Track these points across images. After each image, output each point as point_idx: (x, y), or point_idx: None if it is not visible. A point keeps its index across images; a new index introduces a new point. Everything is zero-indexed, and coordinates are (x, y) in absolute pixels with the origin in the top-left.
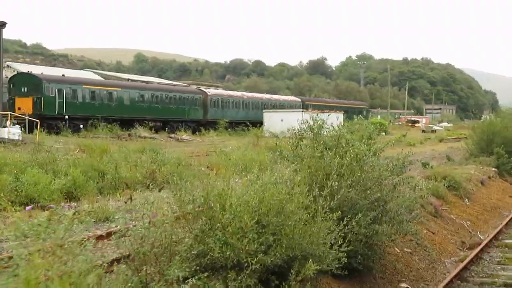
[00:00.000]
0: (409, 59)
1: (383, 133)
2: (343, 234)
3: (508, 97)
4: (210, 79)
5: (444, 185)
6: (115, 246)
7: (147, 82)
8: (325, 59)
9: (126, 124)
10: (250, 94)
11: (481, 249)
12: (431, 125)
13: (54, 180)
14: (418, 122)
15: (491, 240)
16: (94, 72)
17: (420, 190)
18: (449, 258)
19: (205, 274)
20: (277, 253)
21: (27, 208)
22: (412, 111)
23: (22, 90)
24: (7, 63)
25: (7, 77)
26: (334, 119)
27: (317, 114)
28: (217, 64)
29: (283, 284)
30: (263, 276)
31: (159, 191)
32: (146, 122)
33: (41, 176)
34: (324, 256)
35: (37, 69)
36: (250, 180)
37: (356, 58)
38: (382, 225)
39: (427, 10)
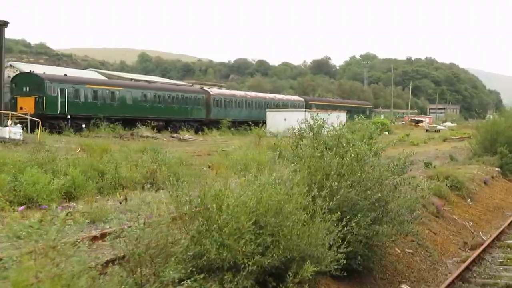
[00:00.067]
0: (413, 58)
1: (386, 133)
2: (342, 235)
3: None
4: (214, 78)
5: (446, 185)
6: (109, 247)
7: (149, 82)
8: (329, 58)
9: (129, 123)
10: (253, 94)
11: (483, 250)
12: (434, 125)
13: (53, 180)
14: (421, 121)
15: (493, 240)
16: (97, 72)
17: (421, 190)
18: (451, 258)
19: (201, 276)
20: (274, 254)
21: (19, 208)
22: (416, 110)
23: (24, 89)
24: (10, 62)
25: (9, 76)
26: (335, 119)
27: (317, 114)
28: (221, 63)
29: (281, 285)
30: (260, 277)
31: (156, 191)
32: (149, 121)
33: (40, 176)
34: (323, 257)
35: (39, 69)
36: (248, 180)
37: (360, 58)
38: (382, 226)
39: (431, 9)
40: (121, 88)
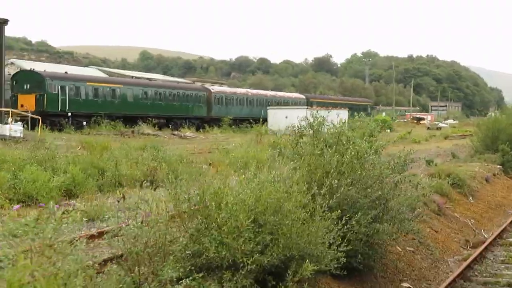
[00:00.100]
0: (414, 56)
1: (388, 130)
2: (342, 234)
3: None
4: (215, 76)
5: (448, 182)
6: (107, 246)
7: (150, 80)
8: (330, 56)
9: (130, 121)
10: (254, 91)
11: (485, 248)
12: (436, 122)
13: (53, 177)
14: (423, 119)
15: (495, 238)
16: (98, 69)
17: (422, 188)
18: (452, 257)
19: (200, 275)
20: (273, 253)
21: (15, 207)
22: (418, 108)
23: (25, 87)
24: (11, 60)
25: (10, 74)
26: (335, 116)
27: (317, 111)
28: (222, 61)
29: (280, 284)
30: (260, 276)
31: (154, 189)
32: (150, 119)
33: (39, 174)
34: (322, 256)
35: (40, 66)
36: (247, 178)
37: (361, 55)
38: (383, 224)
39: (432, 7)
40: (122, 86)
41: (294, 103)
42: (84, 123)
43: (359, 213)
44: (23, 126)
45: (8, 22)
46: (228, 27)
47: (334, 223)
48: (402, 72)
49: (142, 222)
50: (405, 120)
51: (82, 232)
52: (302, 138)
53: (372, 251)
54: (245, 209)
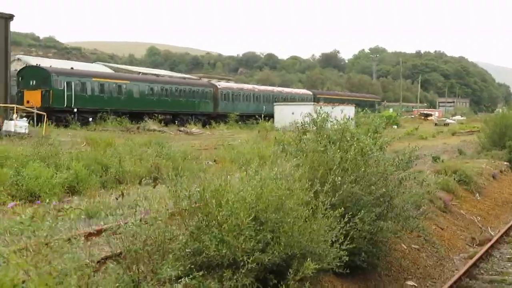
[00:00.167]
0: (422, 52)
1: (395, 127)
2: (345, 231)
3: None
4: (222, 72)
5: (454, 179)
6: (105, 244)
7: (157, 75)
8: (338, 52)
9: (136, 117)
10: (261, 87)
11: (491, 246)
12: (443, 118)
13: (56, 174)
14: (430, 115)
15: (502, 236)
16: (105, 65)
17: (427, 185)
18: (458, 254)
19: (200, 273)
20: (275, 251)
21: (9, 205)
22: (425, 104)
23: (31, 83)
24: (18, 56)
25: (16, 70)
26: (339, 112)
27: (321, 107)
28: (229, 57)
29: (281, 283)
30: (261, 275)
31: (154, 187)
32: (156, 115)
33: (42, 170)
34: (325, 254)
35: (45, 62)
36: (249, 175)
37: (369, 51)
38: (387, 222)
39: (440, 3)
40: (128, 82)
41: (301, 99)
42: (90, 119)
43: (362, 211)
44: (29, 122)
45: (14, 18)
46: (236, 23)
47: (337, 220)
48: (409, 68)
49: (140, 220)
50: (413, 116)
51: (83, 229)
52: (306, 135)
53: (376, 249)
54: (246, 206)
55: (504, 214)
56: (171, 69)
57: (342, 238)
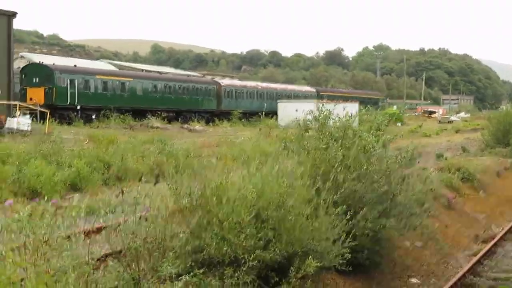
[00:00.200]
0: (426, 49)
1: (399, 124)
2: (347, 229)
3: None
4: (226, 69)
5: (458, 176)
6: (105, 242)
7: (160, 73)
8: (342, 49)
9: (139, 114)
10: (264, 84)
11: (495, 243)
12: (447, 116)
13: (58, 171)
14: (434, 112)
15: (506, 233)
16: (108, 63)
17: (430, 182)
18: (462, 252)
19: (201, 271)
20: (276, 249)
21: (7, 202)
22: (429, 101)
23: (34, 80)
24: (21, 53)
25: (19, 67)
26: (341, 110)
27: (323, 104)
28: (233, 54)
29: (283, 281)
30: (263, 272)
31: (154, 184)
32: (159, 112)
33: (44, 168)
34: (326, 252)
35: (49, 60)
36: (250, 173)
37: (373, 49)
38: (390, 219)
39: (444, 0)
40: (131, 79)
41: (305, 96)
42: (93, 116)
43: (365, 208)
44: (32, 120)
45: (17, 15)
46: (240, 20)
47: (339, 218)
48: (413, 65)
49: (140, 218)
50: (416, 113)
51: (83, 227)
52: (308, 132)
53: (379, 246)
54: (247, 204)
55: (508, 212)
56: (175, 67)
57: (344, 235)
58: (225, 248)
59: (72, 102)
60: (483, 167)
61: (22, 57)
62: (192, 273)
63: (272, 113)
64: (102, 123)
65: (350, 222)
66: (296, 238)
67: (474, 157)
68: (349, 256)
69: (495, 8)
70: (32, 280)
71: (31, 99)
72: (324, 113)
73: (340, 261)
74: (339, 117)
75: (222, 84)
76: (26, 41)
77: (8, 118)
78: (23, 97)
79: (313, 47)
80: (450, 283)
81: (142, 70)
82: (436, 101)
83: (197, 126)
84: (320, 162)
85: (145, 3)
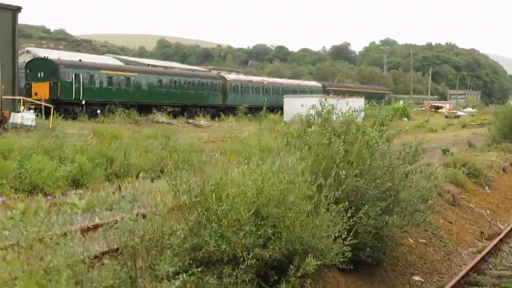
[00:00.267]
0: (433, 44)
1: (405, 119)
2: (348, 227)
3: None
4: (233, 64)
5: (463, 172)
6: (102, 239)
7: (165, 68)
8: (349, 44)
9: (144, 109)
10: (270, 79)
11: (501, 240)
12: (454, 111)
13: (60, 167)
14: (441, 107)
15: (511, 230)
16: (114, 57)
17: (434, 179)
18: (466, 249)
19: (199, 269)
20: (276, 247)
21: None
22: (436, 96)
23: (39, 75)
24: (27, 48)
25: (24, 62)
26: (344, 105)
27: (325, 99)
28: (240, 49)
29: (282, 279)
30: (262, 270)
31: (152, 181)
32: (164, 107)
33: (46, 163)
34: (327, 250)
35: (54, 54)
36: (250, 169)
37: (379, 43)
38: (393, 216)
39: None
40: (136, 74)
41: (311, 91)
42: (98, 111)
43: (366, 205)
44: (37, 115)
45: (22, 10)
46: (246, 15)
47: (340, 215)
48: (420, 60)
49: (137, 215)
50: (423, 108)
51: (79, 224)
52: (311, 127)
53: (381, 243)
54: (247, 201)
55: None
56: (182, 62)
57: (346, 233)
58: (223, 246)
59: (77, 97)
60: (489, 163)
61: (27, 51)
62: (190, 272)
63: (278, 108)
64: (107, 118)
65: (352, 219)
66: (296, 235)
67: (480, 153)
68: (350, 254)
69: (503, 2)
70: (23, 279)
71: (36, 94)
72: (327, 108)
73: (341, 259)
74: (342, 112)
75: (228, 79)
76: (33, 36)
77: (12, 113)
78: (28, 92)
79: (320, 42)
80: (454, 281)
81: (148, 65)
82: (443, 96)
83: (203, 121)
84: (322, 158)
85: None
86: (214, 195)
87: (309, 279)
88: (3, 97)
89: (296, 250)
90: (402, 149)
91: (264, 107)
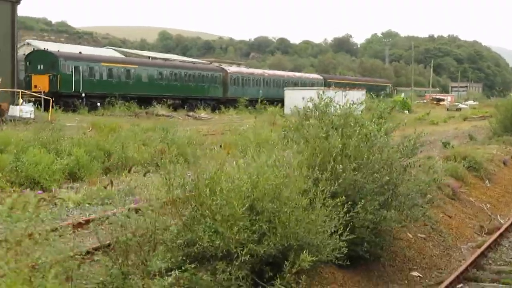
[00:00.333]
0: (435, 36)
1: (407, 112)
2: (345, 222)
3: None
4: (234, 56)
5: (463, 165)
6: (94, 235)
7: (166, 60)
8: (350, 36)
9: (144, 102)
10: (271, 72)
11: (501, 234)
12: (456, 103)
13: (57, 160)
14: (443, 100)
15: (511, 224)
16: (115, 50)
17: (433, 172)
18: (465, 243)
19: (192, 265)
20: (270, 243)
21: None
22: (438, 89)
23: (39, 67)
24: (27, 40)
25: (24, 54)
26: (341, 97)
27: (323, 92)
28: (241, 41)
29: (277, 275)
30: (257, 266)
31: (144, 175)
32: (165, 100)
33: (42, 156)
34: (323, 246)
35: (54, 47)
36: (245, 163)
37: (381, 36)
38: (391, 211)
39: None
40: (136, 66)
41: (312, 83)
42: (98, 104)
43: (363, 200)
44: (37, 107)
45: (21, 1)
46: (248, 7)
47: (337, 210)
48: (422, 52)
49: (129, 210)
50: (425, 101)
51: (71, 219)
52: (309, 120)
53: (379, 238)
54: (241, 195)
55: None
56: (183, 54)
57: (342, 228)
58: (217, 242)
59: (77, 89)
60: (490, 156)
61: (28, 44)
62: (183, 268)
63: (279, 101)
64: (107, 110)
65: (348, 214)
66: (291, 231)
67: (481, 146)
68: (346, 250)
69: None
70: (10, 276)
71: (35, 86)
72: (325, 101)
73: (338, 255)
74: (340, 105)
75: (228, 71)
76: (35, 28)
77: (11, 106)
78: (27, 84)
79: (322, 34)
80: (452, 277)
81: (149, 57)
82: (445, 89)
83: (203, 113)
84: (319, 152)
85: None
86: (208, 189)
87: (304, 275)
88: (1, 89)
89: (291, 246)
90: (401, 143)
91: (258, 100)
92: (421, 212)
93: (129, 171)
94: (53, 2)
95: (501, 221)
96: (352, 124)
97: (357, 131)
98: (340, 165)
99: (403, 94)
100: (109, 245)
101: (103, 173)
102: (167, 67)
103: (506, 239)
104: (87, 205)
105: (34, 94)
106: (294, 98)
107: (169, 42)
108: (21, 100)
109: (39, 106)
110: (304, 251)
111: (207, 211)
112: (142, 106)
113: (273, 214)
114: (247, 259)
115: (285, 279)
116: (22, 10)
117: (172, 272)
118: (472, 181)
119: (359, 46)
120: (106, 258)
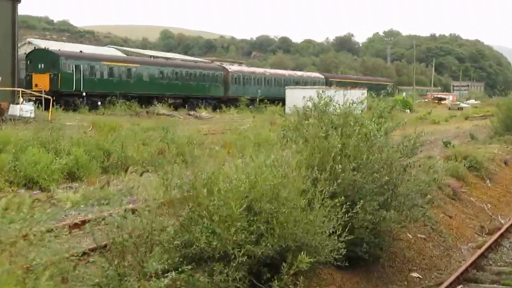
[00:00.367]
0: (437, 35)
1: (408, 111)
2: (344, 222)
3: None
4: (236, 55)
5: (464, 165)
6: (90, 236)
7: (167, 59)
8: (352, 35)
9: (145, 101)
10: (272, 71)
11: (501, 235)
12: (457, 102)
13: (56, 159)
14: (444, 99)
15: None
16: (116, 49)
17: (433, 172)
18: (466, 244)
19: (189, 267)
20: (268, 244)
21: None
22: (439, 88)
23: (39, 66)
24: (28, 39)
25: (25, 53)
26: (341, 96)
27: (323, 91)
28: (243, 40)
29: (275, 277)
30: (254, 268)
31: (141, 175)
32: (166, 99)
33: (41, 156)
34: (321, 247)
35: (55, 45)
36: (243, 162)
37: (383, 35)
38: (390, 211)
39: None
40: (137, 65)
41: (313, 82)
42: (99, 103)
43: (362, 200)
44: (37, 106)
45: (22, 0)
46: (250, 6)
47: (336, 211)
48: (424, 51)
49: (125, 211)
50: (426, 100)
51: (67, 220)
52: (308, 120)
53: (379, 239)
54: (239, 196)
55: None
56: (185, 53)
57: (341, 229)
58: (215, 243)
59: (77, 88)
60: (491, 155)
61: (29, 43)
62: (180, 269)
63: (280, 100)
64: (108, 109)
65: (347, 214)
66: (289, 232)
67: (482, 145)
68: (345, 251)
69: None
70: (2, 277)
71: (36, 85)
72: (325, 100)
73: (336, 256)
74: (339, 104)
75: (229, 70)
76: (37, 27)
77: (11, 105)
78: (28, 83)
79: (323, 33)
80: (452, 278)
81: (150, 56)
82: (447, 88)
83: (204, 113)
84: (318, 151)
85: None
86: (205, 190)
87: (302, 276)
88: (0, 88)
89: (289, 247)
90: (401, 142)
91: (257, 99)
92: (421, 213)
93: (125, 171)
94: (55, 1)
95: (502, 221)
96: (352, 124)
97: (357, 130)
98: (340, 165)
99: (404, 93)
100: (105, 246)
101: (102, 173)
102: (168, 66)
103: (507, 239)
104: (82, 206)
105: (34, 93)
106: (296, 97)
107: (170, 41)
108: (21, 99)
109: (39, 105)
110: (302, 252)
111: (204, 212)
112: (143, 105)
113: (271, 214)
114: (244, 260)
115: (283, 280)
116: (24, 9)
117: (169, 273)
118: (473, 181)
119: (361, 45)
120: (102, 259)
